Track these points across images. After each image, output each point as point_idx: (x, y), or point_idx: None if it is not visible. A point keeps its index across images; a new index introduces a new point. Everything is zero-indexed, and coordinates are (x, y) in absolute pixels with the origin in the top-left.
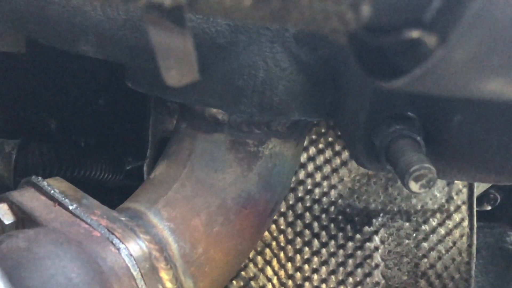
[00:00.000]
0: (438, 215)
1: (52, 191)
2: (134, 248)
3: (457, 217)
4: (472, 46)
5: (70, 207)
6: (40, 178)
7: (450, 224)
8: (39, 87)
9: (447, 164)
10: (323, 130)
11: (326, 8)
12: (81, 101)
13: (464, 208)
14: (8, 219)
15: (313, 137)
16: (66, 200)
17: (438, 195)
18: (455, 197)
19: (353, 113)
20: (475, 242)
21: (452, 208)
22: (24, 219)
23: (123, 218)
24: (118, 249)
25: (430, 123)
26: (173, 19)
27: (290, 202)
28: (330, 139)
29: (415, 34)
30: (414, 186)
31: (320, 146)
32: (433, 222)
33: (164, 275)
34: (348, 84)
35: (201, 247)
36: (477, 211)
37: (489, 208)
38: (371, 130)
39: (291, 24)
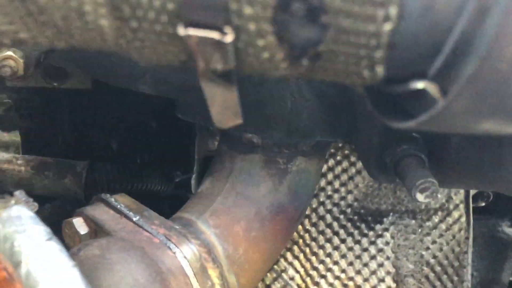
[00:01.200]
0: (439, 213)
1: (118, 206)
2: (187, 251)
3: (455, 214)
4: (468, 98)
5: (134, 219)
6: (108, 195)
7: (450, 220)
8: (102, 115)
9: (447, 176)
10: (340, 145)
11: (347, 69)
12: (137, 125)
13: (461, 206)
14: (84, 230)
15: (332, 150)
16: (130, 212)
17: (439, 196)
18: (454, 197)
19: (366, 135)
20: (471, 235)
21: (451, 207)
22: (97, 230)
23: (177, 227)
24: (174, 252)
25: (433, 143)
26: (224, 79)
27: (314, 206)
28: (346, 151)
29: (420, 85)
30: (420, 197)
31: (338, 158)
32: (435, 219)
33: (212, 273)
34: (362, 111)
35: (242, 249)
36: (473, 207)
37: (483, 204)
38: (383, 150)
39: (318, 79)
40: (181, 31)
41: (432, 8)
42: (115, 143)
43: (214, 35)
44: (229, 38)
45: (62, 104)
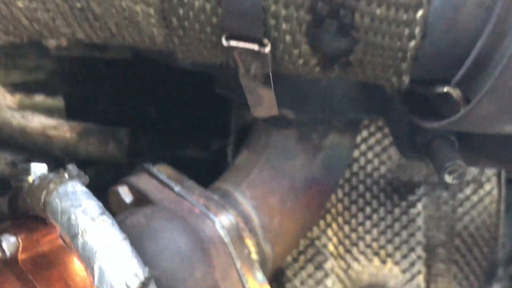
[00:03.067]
0: (471, 185)
1: (161, 176)
2: (225, 221)
3: (487, 186)
4: (489, 106)
5: (175, 189)
6: (151, 165)
7: (481, 192)
8: (143, 82)
9: (475, 156)
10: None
11: (376, 75)
12: (175, 92)
13: (494, 179)
14: (129, 198)
15: (366, 122)
16: (172, 183)
17: (472, 168)
18: (486, 170)
19: (398, 115)
20: (503, 207)
21: (483, 179)
22: (140, 199)
23: (216, 197)
24: (213, 222)
25: None
26: (262, 80)
27: (347, 176)
28: (379, 123)
29: (445, 89)
30: (448, 178)
31: (372, 129)
32: (467, 191)
33: (249, 242)
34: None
35: (277, 220)
36: (507, 178)
37: None
38: (414, 130)
39: (349, 79)
40: (224, 42)
41: (454, 29)
42: (154, 109)
43: (254, 46)
44: (267, 49)
45: (103, 73)
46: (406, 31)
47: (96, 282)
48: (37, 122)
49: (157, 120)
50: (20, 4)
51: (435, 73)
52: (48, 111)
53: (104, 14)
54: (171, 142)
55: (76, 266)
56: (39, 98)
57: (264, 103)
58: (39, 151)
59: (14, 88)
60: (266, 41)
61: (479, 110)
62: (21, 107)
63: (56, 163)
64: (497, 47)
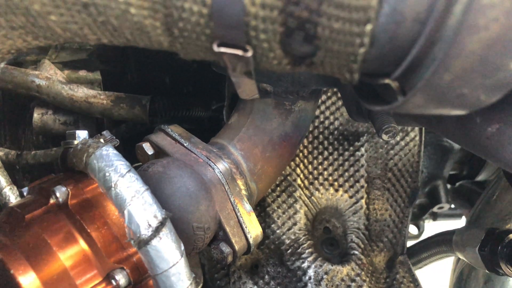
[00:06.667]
0: (400, 133)
1: (173, 134)
2: (221, 167)
3: (412, 134)
4: (419, 99)
5: (185, 144)
6: (166, 125)
7: (407, 138)
8: (159, 58)
9: (403, 118)
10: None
11: (333, 71)
12: (184, 64)
13: (416, 128)
14: (150, 151)
15: (324, 88)
16: (182, 140)
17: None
18: None
19: (348, 88)
20: (422, 149)
21: (409, 129)
22: (159, 152)
23: (215, 150)
24: (213, 168)
25: None
26: (246, 75)
27: (310, 129)
28: (335, 89)
29: (386, 81)
30: (384, 137)
31: (329, 94)
32: (397, 138)
33: (239, 182)
34: None
35: (259, 165)
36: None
37: None
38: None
39: (313, 72)
40: (215, 48)
41: (395, 39)
42: (168, 77)
43: (238, 52)
44: (249, 53)
45: (129, 52)
46: (357, 40)
47: (126, 222)
48: (81, 92)
49: (171, 88)
50: (53, 17)
51: (379, 69)
52: (89, 83)
53: (121, 26)
54: (181, 104)
55: (112, 208)
56: (82, 73)
57: (247, 89)
58: (84, 114)
59: (63, 65)
60: (248, 47)
61: (412, 101)
62: (69, 81)
63: (97, 122)
64: (428, 54)
